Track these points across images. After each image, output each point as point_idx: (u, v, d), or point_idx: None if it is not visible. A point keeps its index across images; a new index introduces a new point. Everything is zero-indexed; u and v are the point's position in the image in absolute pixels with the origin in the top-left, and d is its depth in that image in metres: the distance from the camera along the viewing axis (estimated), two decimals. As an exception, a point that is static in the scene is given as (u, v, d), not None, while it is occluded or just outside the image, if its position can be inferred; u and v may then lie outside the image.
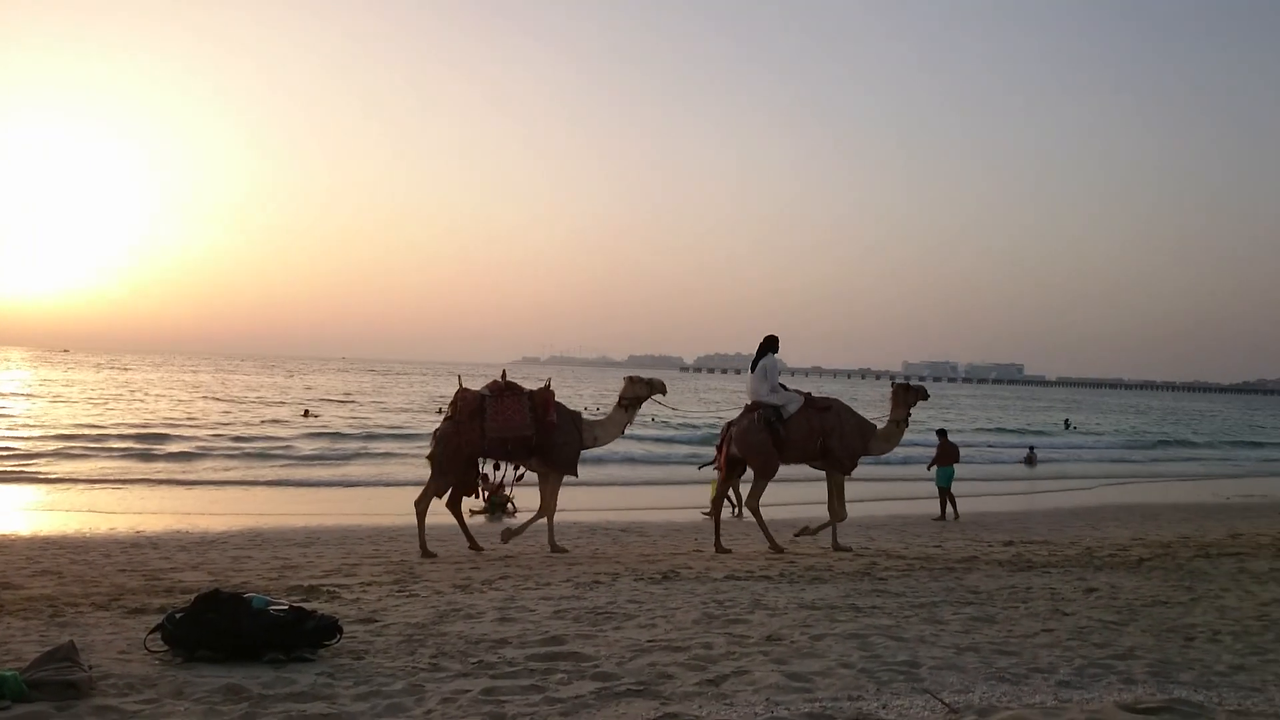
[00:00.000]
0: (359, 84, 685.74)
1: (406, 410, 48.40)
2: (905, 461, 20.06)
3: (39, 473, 20.69)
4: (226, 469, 23.16)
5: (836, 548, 11.43)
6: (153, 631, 5.50)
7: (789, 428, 11.30)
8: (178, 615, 5.47)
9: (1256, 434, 57.16)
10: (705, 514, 15.49)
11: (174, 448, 26.49)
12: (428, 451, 11.30)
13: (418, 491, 11.21)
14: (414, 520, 10.90)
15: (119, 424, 32.44)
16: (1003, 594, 8.05)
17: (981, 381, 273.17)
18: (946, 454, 17.38)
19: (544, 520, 11.12)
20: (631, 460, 25.20)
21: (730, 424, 11.82)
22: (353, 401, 54.94)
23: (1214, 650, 6.08)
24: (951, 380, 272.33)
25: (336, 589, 8.02)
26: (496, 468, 11.20)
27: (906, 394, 12.18)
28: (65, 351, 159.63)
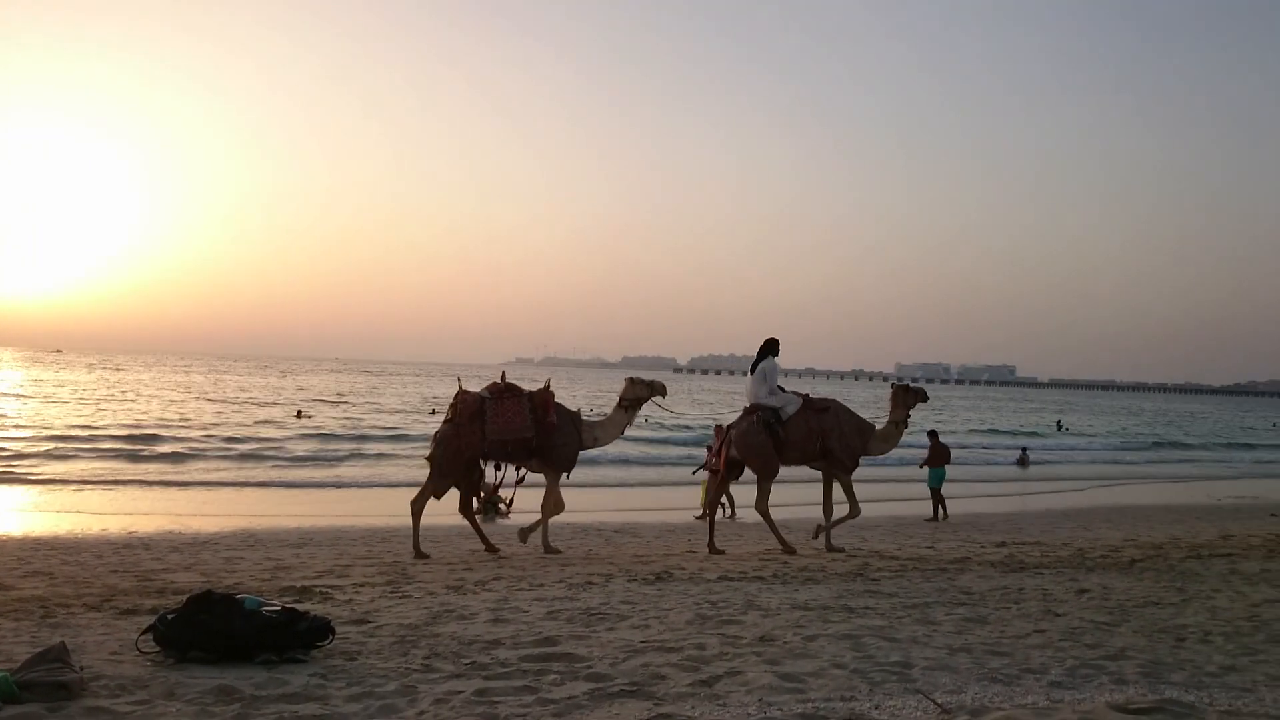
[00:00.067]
0: (358, 84, 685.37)
1: (400, 411, 48.35)
2: (901, 463, 20.06)
3: (30, 473, 20.63)
4: (219, 470, 23.12)
5: (830, 548, 11.45)
6: (145, 632, 5.48)
7: (788, 429, 11.34)
8: (170, 616, 5.45)
9: (1249, 435, 57.40)
10: (698, 518, 15.56)
11: (166, 448, 26.43)
12: (427, 453, 11.29)
13: (411, 492, 11.20)
14: (407, 521, 10.88)
15: (111, 425, 32.36)
16: (995, 595, 8.07)
17: (974, 383, 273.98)
18: (938, 455, 17.43)
19: (553, 518, 11.11)
20: (626, 462, 25.20)
21: (729, 427, 11.83)
22: (345, 402, 54.87)
23: (1205, 651, 6.10)
24: (944, 382, 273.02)
25: (329, 590, 8.00)
26: (497, 468, 11.19)
27: (906, 395, 12.23)
28: (58, 352, 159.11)
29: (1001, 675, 5.36)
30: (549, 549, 10.96)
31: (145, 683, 4.90)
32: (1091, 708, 4.67)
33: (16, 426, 30.71)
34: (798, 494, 15.44)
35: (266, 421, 37.55)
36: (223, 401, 49.60)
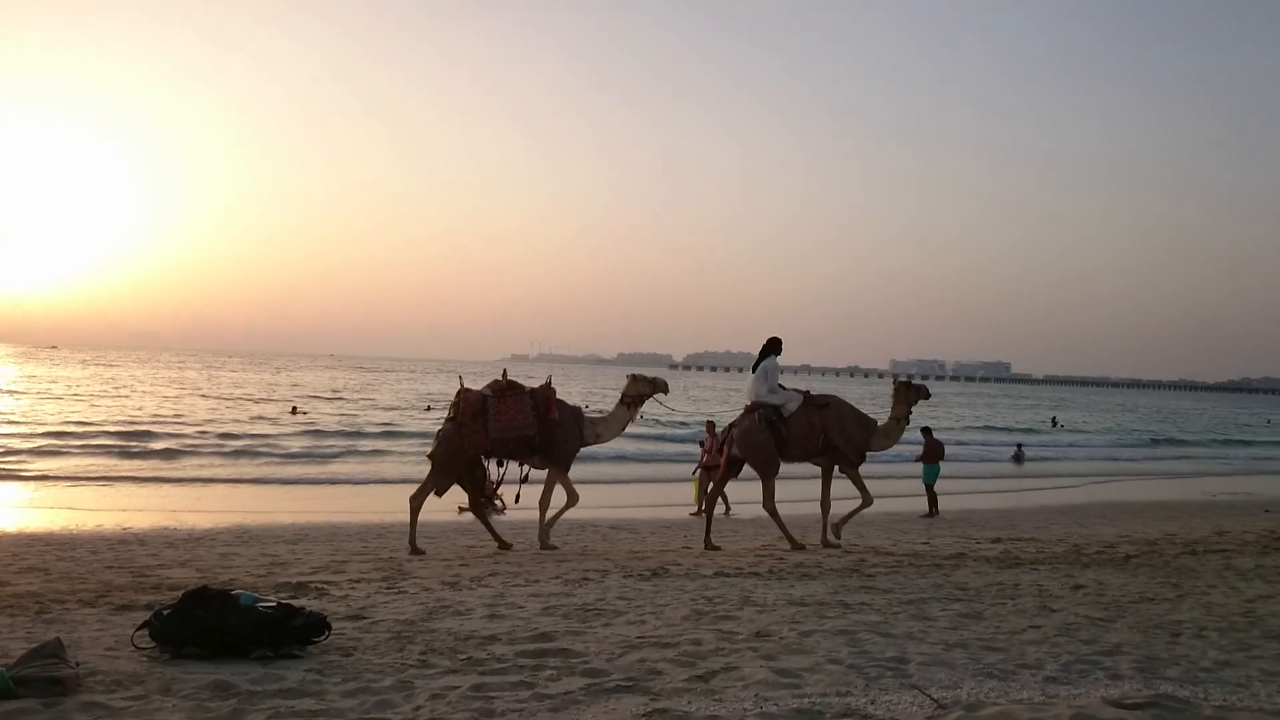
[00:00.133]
0: (357, 83, 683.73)
1: (395, 408, 48.33)
2: (897, 459, 20.08)
3: (25, 469, 20.59)
4: (213, 466, 23.10)
5: (826, 544, 11.47)
6: (140, 628, 5.47)
7: (790, 426, 11.38)
8: (165, 612, 5.44)
9: (1244, 432, 57.53)
10: (693, 514, 15.60)
11: (161, 444, 26.40)
12: (429, 451, 11.29)
13: (406, 488, 11.20)
14: (403, 517, 10.87)
15: (106, 421, 32.32)
16: (991, 591, 8.08)
17: (969, 380, 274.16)
18: (932, 451, 17.47)
19: (571, 508, 11.14)
20: (623, 458, 25.20)
21: (731, 425, 11.85)
22: (341, 399, 54.84)
23: (1200, 646, 6.11)
24: (939, 378, 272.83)
25: (325, 586, 7.99)
26: (499, 465, 11.19)
27: (908, 391, 12.27)
28: (53, 348, 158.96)
29: (997, 670, 5.37)
30: (546, 545, 10.96)
31: (141, 678, 4.89)
32: (1087, 703, 4.68)
33: (11, 423, 30.65)
34: (798, 490, 15.43)
35: (262, 418, 37.50)
36: (218, 398, 49.54)
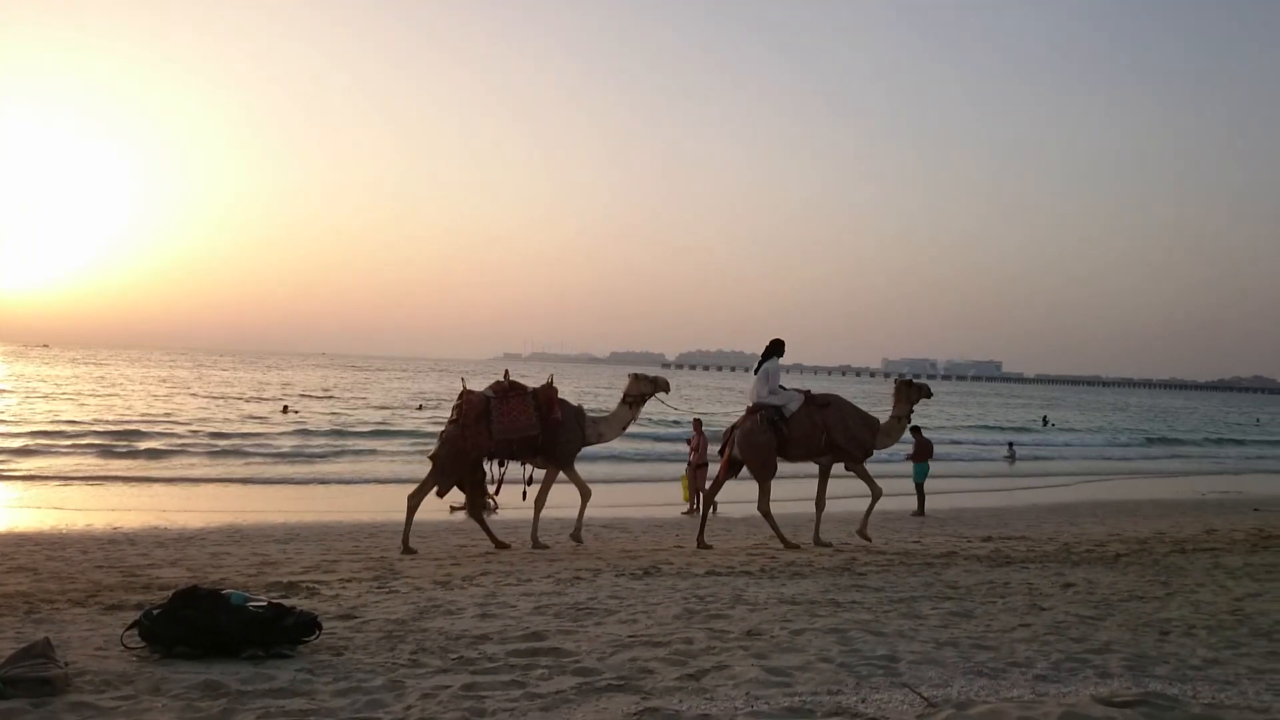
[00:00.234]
0: (356, 81, 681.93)
1: (387, 407, 48.22)
2: (891, 458, 20.11)
3: (13, 469, 20.51)
4: (204, 465, 23.04)
5: (818, 542, 11.49)
6: (130, 628, 5.46)
7: (791, 426, 11.42)
8: (155, 612, 5.43)
9: (1235, 431, 57.81)
10: (684, 513, 15.62)
11: (151, 444, 26.32)
12: (430, 451, 11.28)
13: (397, 487, 11.19)
14: (394, 517, 10.86)
15: (95, 420, 32.20)
16: (981, 589, 8.11)
17: (960, 379, 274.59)
18: (922, 450, 17.52)
19: (587, 503, 11.25)
20: (615, 457, 25.18)
21: (733, 426, 11.87)
22: (332, 397, 54.73)
23: (1189, 644, 6.14)
24: (931, 377, 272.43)
25: (316, 585, 7.98)
26: (500, 465, 11.18)
27: (909, 390, 12.34)
28: (45, 346, 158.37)
29: (987, 669, 5.39)
30: (537, 544, 10.96)
31: (131, 678, 4.88)
32: (1076, 701, 4.69)
33: (1, 421, 30.52)
34: (790, 490, 15.46)
35: (253, 417, 37.41)
36: (208, 397, 49.40)
